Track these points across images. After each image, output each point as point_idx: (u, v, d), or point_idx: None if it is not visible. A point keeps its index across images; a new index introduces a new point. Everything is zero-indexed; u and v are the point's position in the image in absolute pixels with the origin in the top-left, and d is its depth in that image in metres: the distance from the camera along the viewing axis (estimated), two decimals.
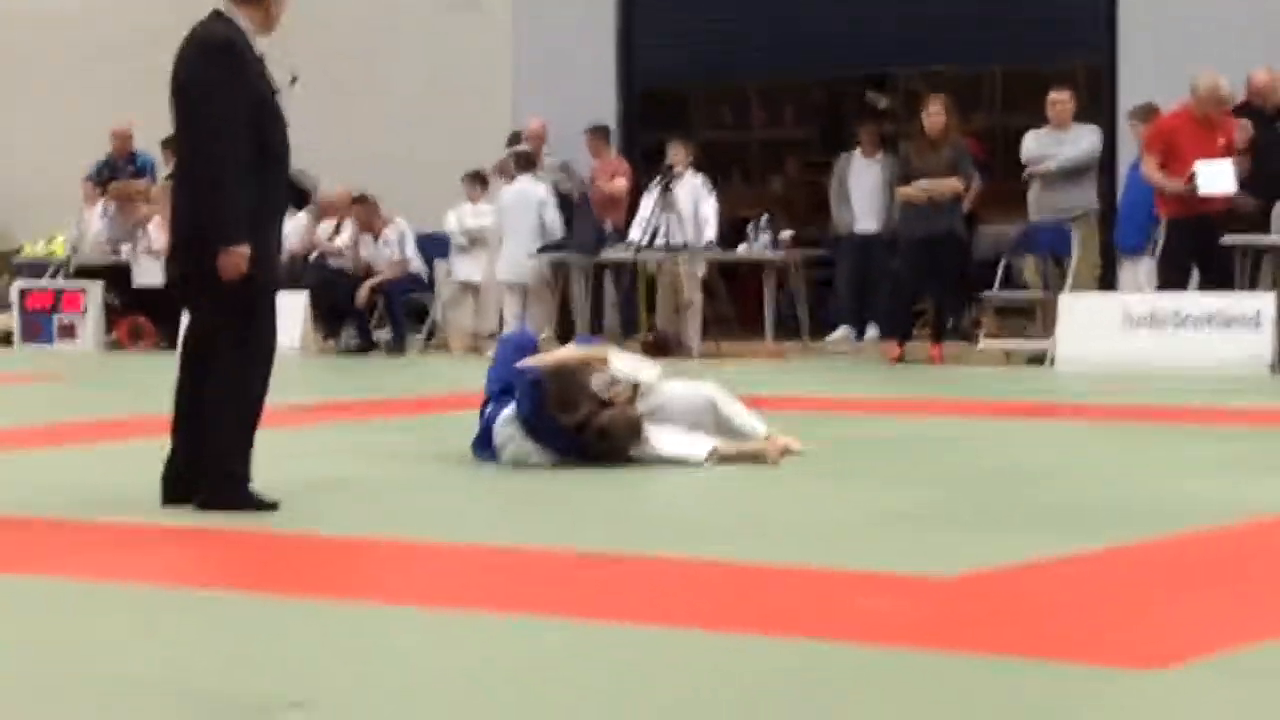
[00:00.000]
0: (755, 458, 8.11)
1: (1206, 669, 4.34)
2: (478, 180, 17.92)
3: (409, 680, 4.32)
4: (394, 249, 17.87)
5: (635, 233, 16.43)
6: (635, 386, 8.12)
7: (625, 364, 8.26)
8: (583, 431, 7.95)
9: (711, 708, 4.03)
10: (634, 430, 8.03)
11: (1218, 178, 14.01)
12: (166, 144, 19.50)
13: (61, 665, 4.56)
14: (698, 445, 8.14)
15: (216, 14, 6.92)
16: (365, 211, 17.87)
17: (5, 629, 5.09)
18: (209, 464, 6.82)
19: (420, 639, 4.82)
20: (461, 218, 17.83)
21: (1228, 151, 14.11)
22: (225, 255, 6.66)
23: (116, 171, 19.85)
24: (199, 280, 6.78)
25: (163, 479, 7.01)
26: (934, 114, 15.06)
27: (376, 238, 17.94)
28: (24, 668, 4.56)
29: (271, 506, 6.81)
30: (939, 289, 15.23)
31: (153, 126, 19.70)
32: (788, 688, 4.21)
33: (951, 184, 14.93)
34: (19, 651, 4.76)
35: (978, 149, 17.10)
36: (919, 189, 14.93)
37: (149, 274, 18.70)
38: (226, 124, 6.63)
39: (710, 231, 16.56)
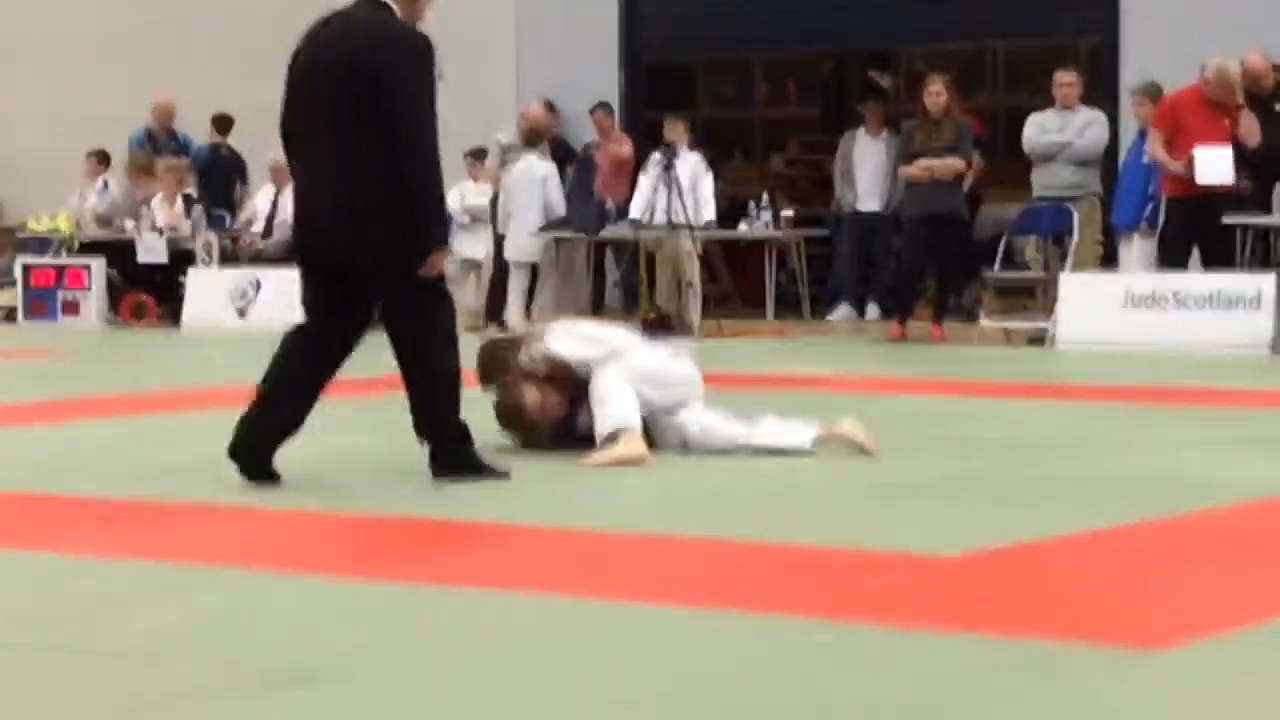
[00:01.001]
0: (851, 442, 7.80)
1: (1208, 647, 4.37)
2: (479, 158, 17.93)
3: (435, 656, 4.36)
4: None
5: (636, 210, 16.44)
6: (565, 366, 7.87)
7: (571, 343, 7.94)
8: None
9: (715, 685, 4.06)
10: (512, 412, 7.94)
11: (1216, 166, 14.03)
12: (219, 122, 19.51)
13: (68, 638, 4.60)
14: (798, 433, 7.87)
15: (374, 3, 6.97)
16: None
17: (20, 602, 5.12)
18: (444, 438, 6.98)
19: (449, 617, 4.85)
20: (464, 195, 17.84)
21: (1231, 136, 14.10)
22: (438, 254, 6.91)
23: (157, 145, 19.76)
24: (376, 267, 6.89)
25: (247, 457, 6.97)
26: (935, 93, 15.07)
27: None
28: (42, 638, 4.60)
29: (505, 474, 7.03)
30: (941, 268, 15.26)
31: (152, 101, 19.78)
32: (790, 666, 4.24)
33: (954, 163, 14.95)
34: (34, 622, 4.80)
35: (979, 128, 17.11)
36: (921, 168, 14.94)
37: (153, 251, 18.73)
38: (435, 128, 6.83)
39: (709, 211, 16.57)
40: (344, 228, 6.86)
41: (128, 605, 5.05)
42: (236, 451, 6.97)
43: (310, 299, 7.15)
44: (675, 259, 16.29)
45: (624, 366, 7.77)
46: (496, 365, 8.08)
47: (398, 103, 6.75)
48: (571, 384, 7.89)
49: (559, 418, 7.93)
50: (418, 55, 6.87)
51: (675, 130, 16.52)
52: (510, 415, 8.00)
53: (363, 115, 6.77)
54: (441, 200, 6.94)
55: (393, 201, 6.79)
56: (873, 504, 6.63)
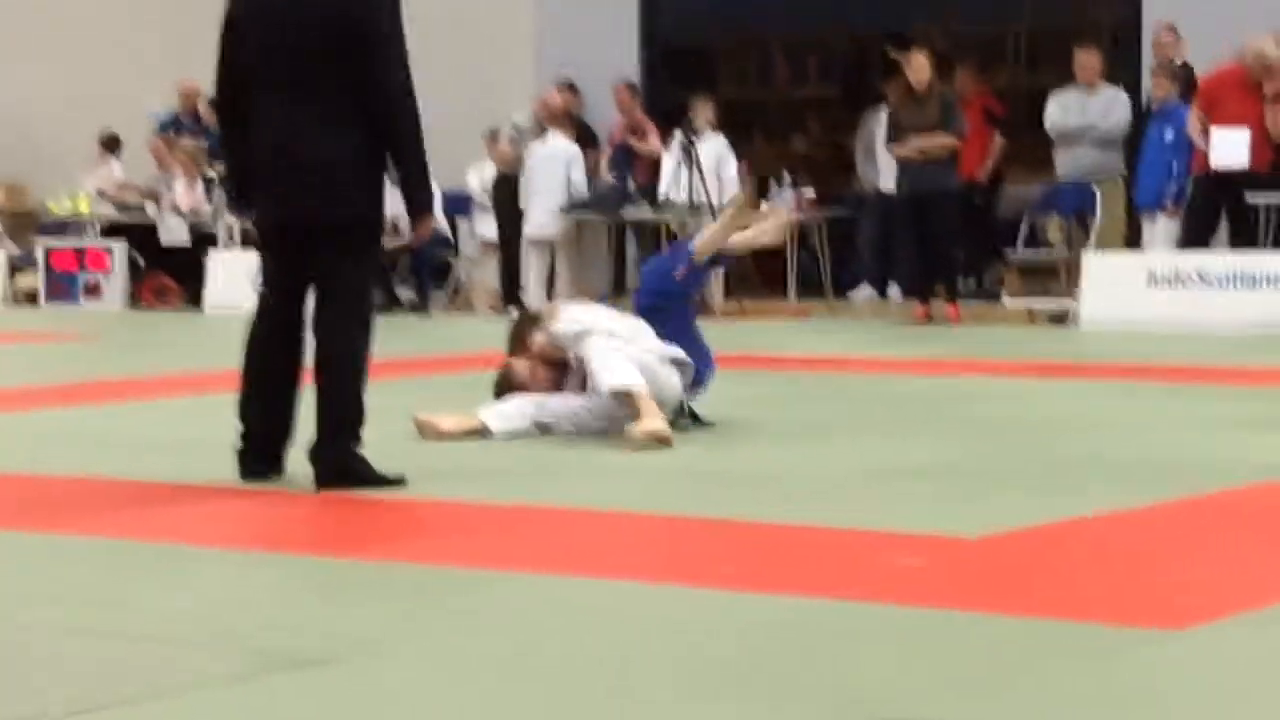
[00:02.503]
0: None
1: (1231, 627, 4.35)
2: (497, 138, 17.88)
3: (456, 637, 4.35)
4: None
5: (662, 191, 16.43)
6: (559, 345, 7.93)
7: (576, 325, 7.92)
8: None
9: (734, 666, 4.05)
10: (502, 379, 8.12)
11: (1232, 149, 13.99)
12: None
13: (86, 619, 4.60)
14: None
15: None
16: None
17: (38, 584, 5.12)
18: (339, 431, 6.48)
19: (470, 598, 4.85)
20: (483, 176, 17.81)
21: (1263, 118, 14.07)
22: (425, 221, 6.74)
23: (181, 128, 19.78)
24: (336, 235, 6.53)
25: (245, 455, 6.68)
26: (918, 68, 14.98)
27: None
28: (61, 620, 4.60)
29: (399, 482, 6.53)
30: (939, 246, 15.11)
31: (176, 84, 19.80)
32: (809, 646, 4.23)
33: (946, 141, 14.85)
34: (52, 605, 4.80)
35: (998, 107, 17.05)
36: (913, 147, 14.86)
37: (175, 232, 18.75)
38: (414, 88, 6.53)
39: (732, 192, 16.53)
40: (325, 186, 6.48)
41: (147, 587, 5.04)
42: (249, 466, 6.66)
43: (274, 272, 6.71)
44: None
45: (609, 340, 7.80)
46: (518, 338, 8.18)
47: (386, 62, 6.50)
48: (562, 363, 7.98)
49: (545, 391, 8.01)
50: (395, 9, 6.59)
51: (703, 111, 16.46)
52: (500, 382, 8.15)
53: (343, 72, 6.46)
54: (426, 164, 6.62)
55: (373, 162, 6.53)
56: (891, 485, 6.61)
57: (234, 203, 6.96)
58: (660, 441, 7.42)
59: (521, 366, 8.10)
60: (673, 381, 7.93)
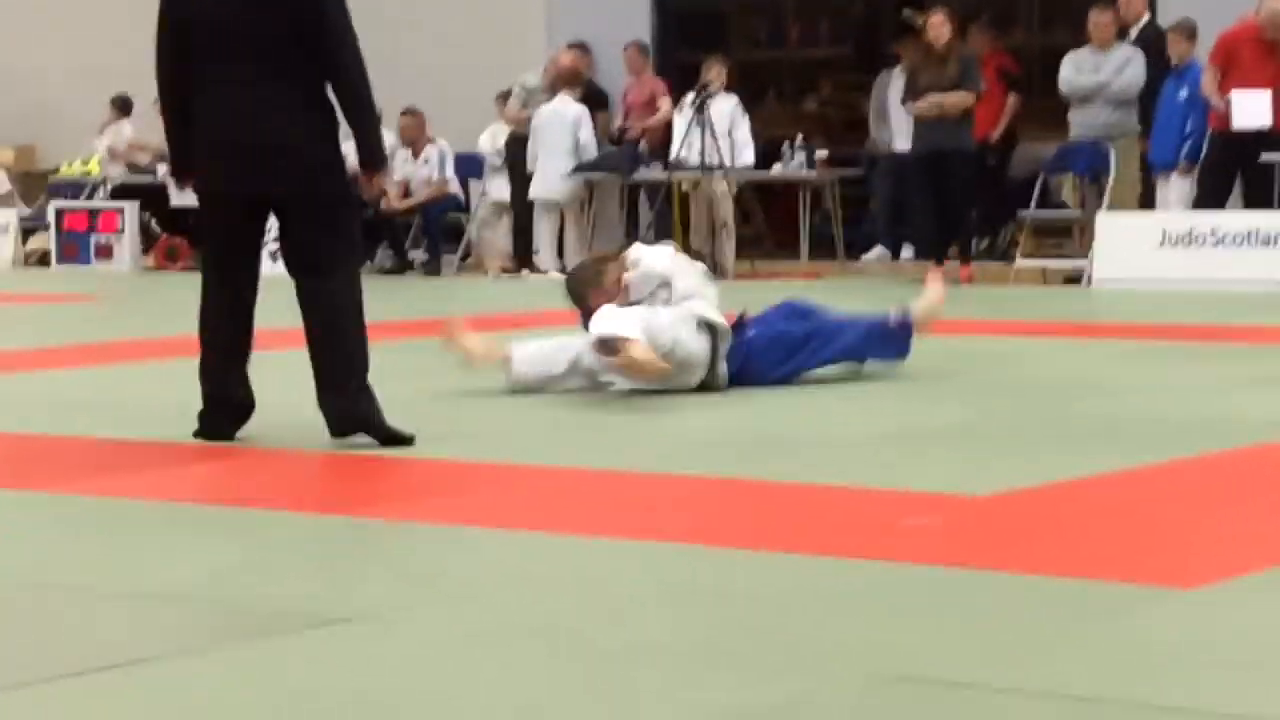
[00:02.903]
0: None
1: (1243, 586, 4.34)
2: (509, 100, 17.81)
3: (465, 598, 4.35)
4: (433, 168, 17.84)
5: (675, 149, 16.40)
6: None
7: (650, 269, 7.99)
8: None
9: (750, 625, 4.05)
10: (578, 285, 8.15)
11: (1253, 109, 13.93)
12: None
13: (102, 579, 4.60)
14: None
15: None
16: (413, 125, 17.80)
17: (49, 545, 5.13)
18: (351, 379, 6.62)
19: (467, 555, 4.85)
20: (495, 137, 17.77)
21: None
22: (381, 177, 7.03)
23: None
24: (310, 206, 6.71)
25: (207, 418, 6.83)
26: (937, 26, 14.92)
27: (417, 155, 17.89)
28: (70, 580, 4.60)
29: (408, 440, 6.63)
30: (954, 205, 15.07)
31: None
32: (824, 605, 4.23)
33: (963, 98, 14.79)
34: (60, 566, 4.80)
35: (1014, 67, 16.98)
36: (930, 104, 14.81)
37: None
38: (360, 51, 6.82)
39: (748, 153, 16.50)
40: (270, 161, 6.66)
41: (155, 548, 5.05)
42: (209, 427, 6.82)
43: (222, 242, 6.86)
44: (709, 201, 16.22)
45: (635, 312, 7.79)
46: (593, 279, 8.15)
47: (343, 42, 6.74)
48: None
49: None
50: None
51: (715, 71, 16.41)
52: (574, 288, 8.20)
53: (305, 53, 6.68)
54: (378, 123, 6.90)
55: (333, 135, 6.78)
56: (904, 445, 6.60)
57: (177, 175, 7.18)
58: (642, 369, 7.42)
59: (612, 277, 8.01)
60: (695, 343, 7.87)
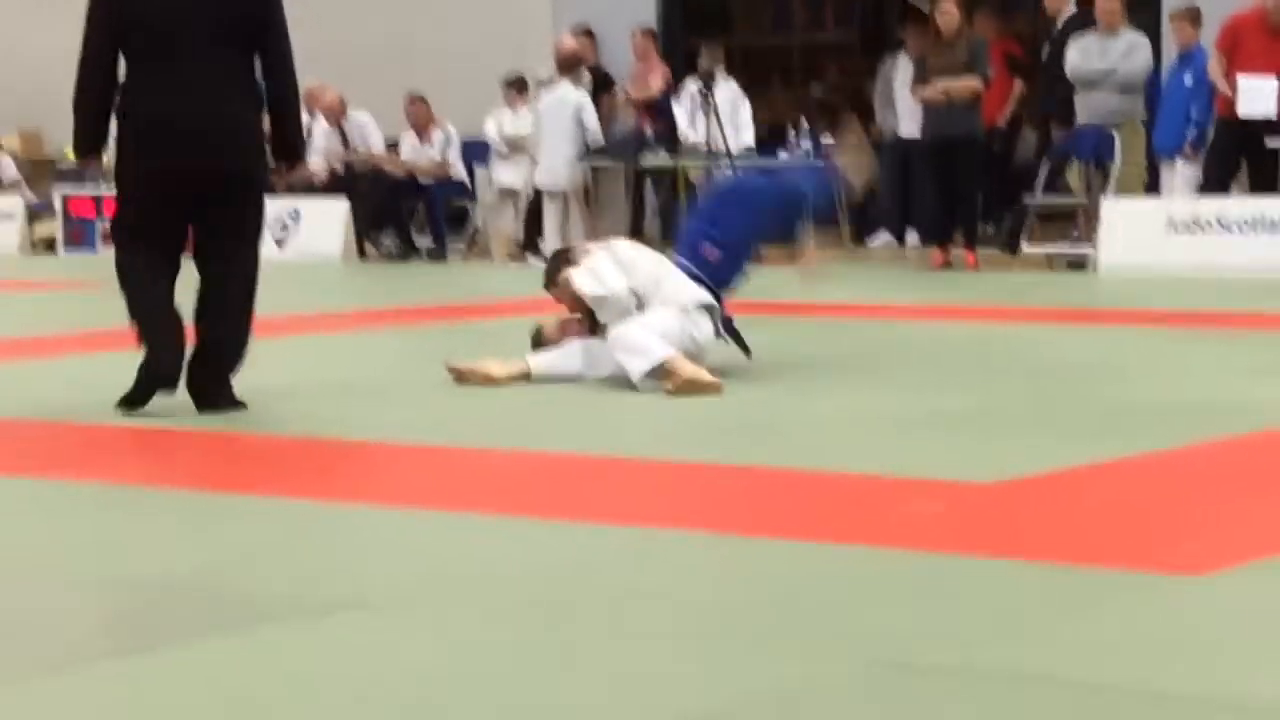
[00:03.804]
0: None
1: (1249, 573, 4.34)
2: (516, 87, 17.82)
3: (482, 583, 4.36)
4: (438, 152, 17.84)
5: (686, 135, 16.41)
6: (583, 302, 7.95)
7: (597, 288, 7.89)
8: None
9: (751, 612, 4.05)
10: (537, 331, 8.18)
11: (1259, 97, 13.91)
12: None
13: (118, 567, 4.61)
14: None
15: None
16: (420, 111, 17.80)
17: (59, 533, 5.14)
18: (230, 362, 7.21)
19: (478, 543, 4.86)
20: (501, 125, 17.76)
21: None
22: (302, 165, 7.72)
23: None
24: (250, 184, 7.33)
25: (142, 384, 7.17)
26: (946, 11, 14.91)
27: (423, 139, 17.89)
28: (83, 569, 4.62)
29: (242, 405, 7.19)
30: (962, 191, 15.06)
31: None
32: (826, 592, 4.23)
33: (970, 84, 14.78)
34: (75, 553, 4.82)
35: (1019, 52, 16.96)
36: (938, 89, 14.79)
37: None
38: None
39: (747, 136, 16.50)
40: (225, 141, 7.22)
41: (165, 535, 5.06)
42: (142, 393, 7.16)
43: (161, 220, 7.28)
44: None
45: (637, 319, 7.77)
46: (550, 275, 8.22)
47: (280, 37, 7.31)
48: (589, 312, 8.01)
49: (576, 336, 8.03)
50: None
51: (712, 57, 16.38)
52: (534, 337, 8.19)
53: (236, 39, 7.23)
54: (300, 117, 7.70)
55: (259, 118, 7.36)
56: (909, 431, 6.60)
57: (83, 152, 7.69)
58: (702, 387, 7.41)
59: (551, 326, 8.14)
60: (704, 330, 7.88)
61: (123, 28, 7.26)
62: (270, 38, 7.29)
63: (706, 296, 7.93)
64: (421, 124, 17.86)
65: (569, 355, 7.96)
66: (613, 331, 7.74)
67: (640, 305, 7.86)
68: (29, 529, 5.23)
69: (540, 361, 7.95)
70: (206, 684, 3.57)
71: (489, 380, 7.79)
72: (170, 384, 7.11)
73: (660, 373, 7.50)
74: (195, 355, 7.17)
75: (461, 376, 7.84)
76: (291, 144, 7.59)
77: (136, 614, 4.20)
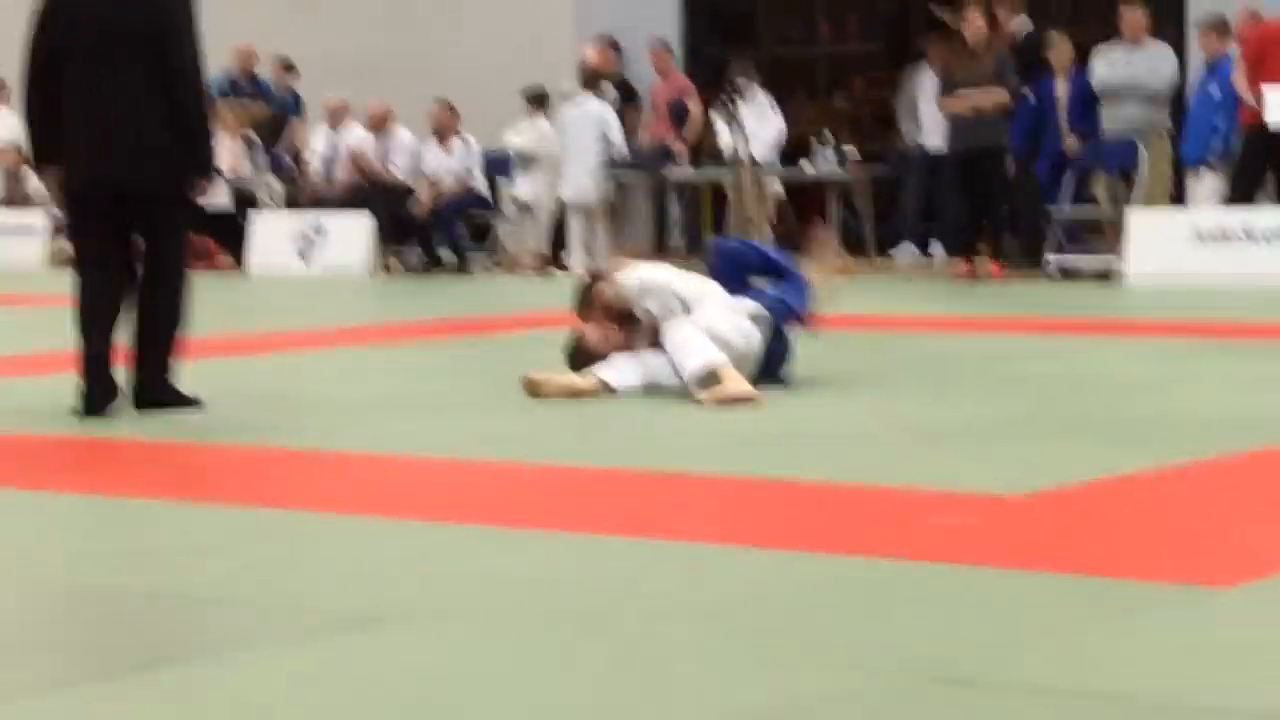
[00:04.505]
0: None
1: (1274, 587, 4.31)
2: (533, 100, 17.76)
3: (496, 597, 4.35)
4: (457, 161, 17.82)
5: (725, 148, 16.41)
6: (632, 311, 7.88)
7: (641, 281, 7.90)
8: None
9: (778, 624, 4.03)
10: (574, 345, 8.00)
11: None
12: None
13: (141, 581, 4.60)
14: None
15: None
16: (444, 116, 17.79)
17: (83, 545, 5.13)
18: (160, 367, 7.48)
19: (509, 558, 4.83)
20: (525, 136, 17.73)
21: None
22: (207, 180, 7.70)
23: (238, 90, 19.77)
24: (169, 198, 7.53)
25: (94, 398, 7.43)
26: (973, 22, 14.89)
27: (444, 146, 17.87)
28: (106, 581, 4.61)
29: (198, 403, 7.47)
30: (987, 203, 15.02)
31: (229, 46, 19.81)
32: (856, 604, 4.21)
33: (996, 95, 14.75)
34: (98, 566, 4.80)
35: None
36: (966, 105, 14.76)
37: (216, 195, 18.70)
38: (203, 68, 7.62)
39: (762, 148, 16.47)
40: (142, 155, 7.43)
41: (188, 549, 5.04)
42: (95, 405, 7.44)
43: (90, 230, 7.59)
44: (747, 199, 16.12)
45: (686, 317, 7.71)
46: (585, 299, 8.08)
47: (179, 48, 7.43)
48: (629, 319, 7.90)
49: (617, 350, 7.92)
50: (193, 12, 7.56)
51: (743, 69, 16.36)
52: (571, 348, 8.02)
53: (145, 52, 7.38)
54: (211, 133, 7.72)
55: (173, 133, 7.44)
56: (936, 444, 6.57)
57: (40, 165, 7.87)
58: (743, 400, 7.37)
59: (593, 332, 7.98)
60: (751, 339, 7.84)
61: (54, 41, 7.51)
62: (169, 48, 7.40)
63: (754, 305, 7.89)
64: (445, 131, 17.85)
65: (632, 367, 7.80)
66: (666, 328, 7.67)
67: (686, 309, 7.80)
68: (55, 541, 5.22)
69: (614, 375, 7.77)
70: (219, 701, 3.55)
71: (573, 393, 7.64)
72: (94, 413, 7.37)
73: (709, 379, 7.46)
74: (135, 356, 7.49)
75: (539, 389, 7.69)
76: (195, 158, 7.58)
77: (148, 629, 4.19)
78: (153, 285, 7.55)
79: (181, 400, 7.48)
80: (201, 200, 8.39)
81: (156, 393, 7.46)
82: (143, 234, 7.55)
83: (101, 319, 7.49)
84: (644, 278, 7.90)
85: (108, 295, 7.53)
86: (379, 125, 18.23)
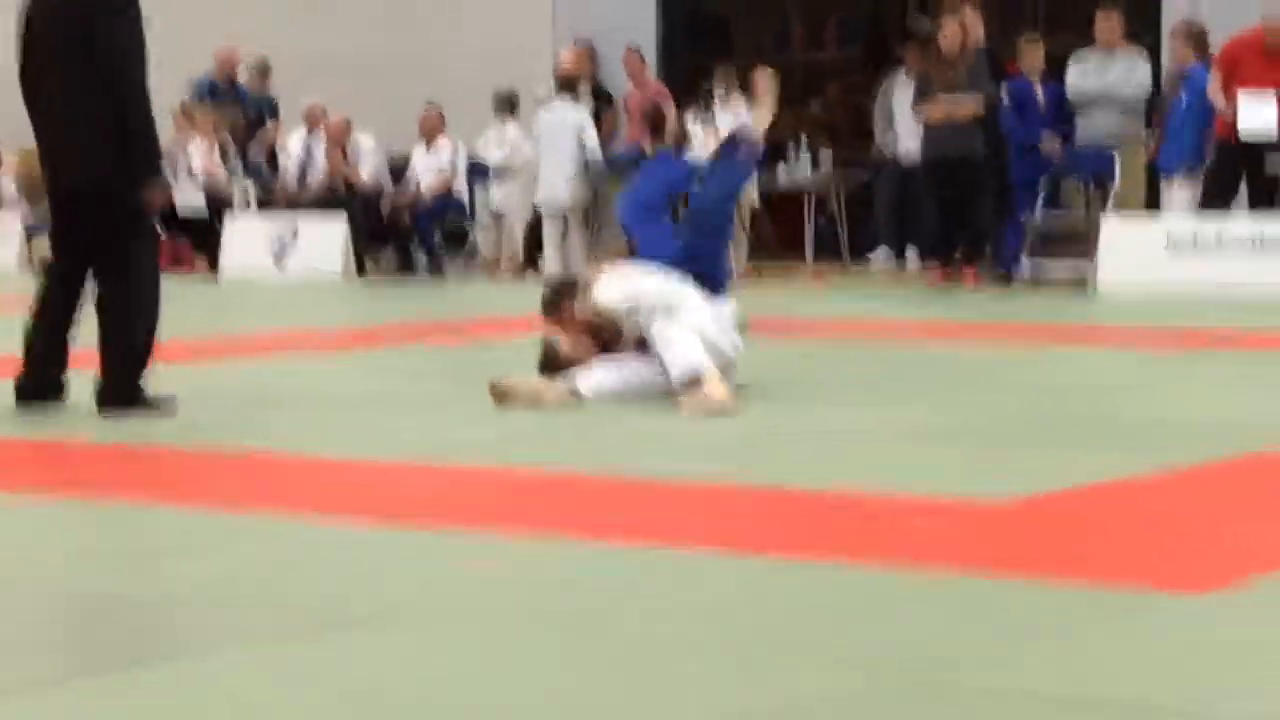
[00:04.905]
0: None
1: (1251, 593, 4.32)
2: (504, 106, 17.74)
3: (486, 599, 4.35)
4: (442, 161, 17.78)
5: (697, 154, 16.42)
6: (612, 317, 7.83)
7: (625, 300, 7.82)
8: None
9: (763, 630, 4.03)
10: (546, 354, 7.92)
11: (1258, 115, 13.92)
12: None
13: (132, 583, 4.60)
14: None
15: None
16: (431, 117, 17.76)
17: (74, 548, 5.12)
18: (121, 369, 7.56)
19: (500, 562, 4.84)
20: (500, 143, 17.72)
21: None
22: (162, 190, 7.84)
23: (217, 94, 19.73)
24: (120, 205, 7.57)
25: (25, 387, 7.68)
26: (948, 32, 14.94)
27: (430, 147, 17.84)
28: (96, 583, 4.60)
29: (171, 403, 7.56)
30: (962, 211, 15.06)
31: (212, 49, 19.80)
32: (838, 610, 4.22)
33: (969, 104, 14.78)
34: (88, 568, 4.80)
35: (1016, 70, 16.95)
36: (940, 110, 14.79)
37: (190, 199, 18.67)
38: (145, 71, 7.59)
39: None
40: (67, 159, 7.63)
41: (169, 551, 5.04)
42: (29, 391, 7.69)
43: (55, 233, 7.91)
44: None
45: (677, 320, 7.70)
46: (552, 306, 8.03)
47: (102, 43, 7.45)
48: (611, 332, 7.85)
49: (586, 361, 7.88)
50: (128, 9, 7.56)
51: (724, 77, 16.37)
52: (544, 357, 7.96)
53: (80, 55, 7.47)
54: (154, 138, 7.68)
55: (110, 135, 7.51)
56: (913, 449, 6.58)
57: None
58: (721, 410, 7.36)
59: (565, 342, 7.92)
60: (733, 340, 7.87)
61: (21, 58, 7.74)
62: (99, 51, 7.47)
63: (734, 306, 7.92)
64: (431, 133, 17.82)
65: (611, 374, 7.79)
66: (655, 330, 7.66)
67: (669, 312, 7.77)
68: (44, 545, 5.22)
69: (587, 383, 7.74)
70: (211, 700, 3.55)
71: (537, 401, 7.58)
72: (24, 400, 7.63)
73: (694, 384, 7.46)
74: (99, 359, 7.60)
75: (505, 396, 7.62)
76: (138, 157, 7.59)
77: (134, 630, 4.19)
78: (107, 286, 7.65)
79: (145, 404, 7.52)
80: (176, 203, 8.47)
81: (115, 396, 7.52)
82: (95, 235, 7.63)
83: (49, 320, 7.69)
84: (629, 293, 7.83)
85: (60, 299, 7.71)
86: (337, 137, 18.08)
